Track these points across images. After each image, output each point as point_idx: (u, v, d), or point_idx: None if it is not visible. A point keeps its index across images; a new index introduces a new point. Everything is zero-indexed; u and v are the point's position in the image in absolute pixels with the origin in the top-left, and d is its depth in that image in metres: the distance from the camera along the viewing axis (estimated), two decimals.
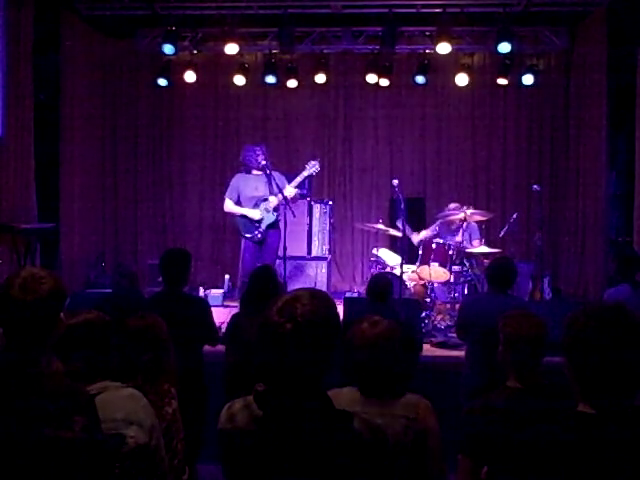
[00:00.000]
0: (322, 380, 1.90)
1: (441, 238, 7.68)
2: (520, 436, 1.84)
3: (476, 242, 7.79)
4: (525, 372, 2.74)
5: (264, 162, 7.18)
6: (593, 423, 1.76)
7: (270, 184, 7.19)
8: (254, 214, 7.18)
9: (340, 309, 6.53)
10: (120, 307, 4.52)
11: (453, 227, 7.78)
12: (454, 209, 7.58)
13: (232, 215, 7.48)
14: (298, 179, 7.28)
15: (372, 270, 7.96)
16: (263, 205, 7.20)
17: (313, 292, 1.93)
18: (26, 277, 2.17)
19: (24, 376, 2.10)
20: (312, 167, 7.38)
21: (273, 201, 7.17)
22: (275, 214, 7.23)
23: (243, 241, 7.37)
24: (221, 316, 7.14)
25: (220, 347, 4.58)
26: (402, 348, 2.99)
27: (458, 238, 7.41)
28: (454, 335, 5.58)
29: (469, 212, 7.37)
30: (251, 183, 7.28)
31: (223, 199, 7.42)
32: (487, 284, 4.90)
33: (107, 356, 2.54)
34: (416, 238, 7.90)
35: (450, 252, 7.26)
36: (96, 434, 1.77)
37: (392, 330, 2.71)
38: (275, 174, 7.20)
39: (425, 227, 8.19)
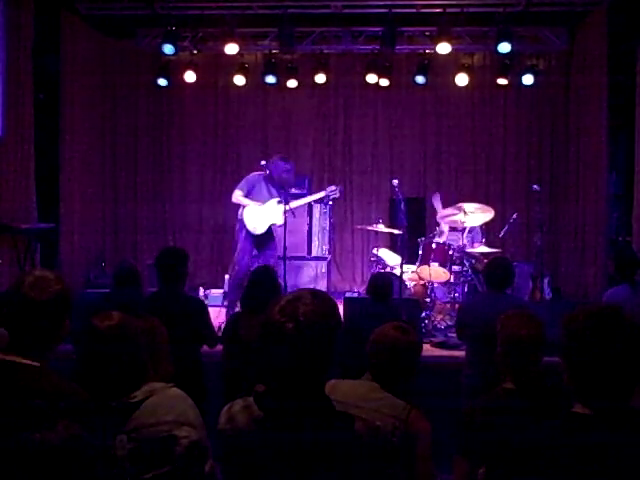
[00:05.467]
0: (323, 380, 1.90)
1: (441, 238, 7.69)
2: (516, 437, 1.84)
3: (476, 244, 7.79)
4: (522, 373, 2.73)
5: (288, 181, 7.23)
6: (589, 424, 1.76)
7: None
8: (270, 204, 7.11)
9: (340, 309, 6.54)
10: (121, 306, 4.50)
11: (457, 227, 7.79)
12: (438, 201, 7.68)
13: (238, 205, 7.27)
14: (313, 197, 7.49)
15: (372, 270, 7.97)
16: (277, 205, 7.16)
17: (315, 292, 1.94)
18: (37, 276, 2.20)
19: (21, 376, 2.10)
20: (331, 192, 7.42)
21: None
22: (282, 218, 7.10)
23: (241, 243, 7.26)
24: (221, 316, 7.16)
25: (219, 347, 4.57)
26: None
27: (460, 241, 7.42)
28: (454, 335, 5.58)
29: (474, 207, 7.38)
30: (264, 190, 7.22)
31: (223, 198, 7.46)
32: (485, 284, 4.90)
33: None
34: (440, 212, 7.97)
35: (450, 252, 7.26)
36: (80, 435, 1.76)
37: (417, 337, 2.94)
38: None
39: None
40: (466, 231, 7.61)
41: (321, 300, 1.90)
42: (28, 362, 2.17)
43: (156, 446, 2.29)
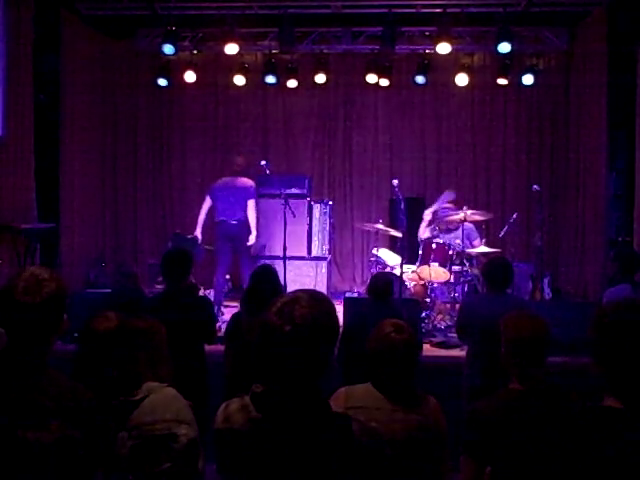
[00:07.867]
0: (320, 382, 1.90)
1: (440, 238, 7.67)
2: (523, 437, 1.84)
3: (476, 242, 7.77)
4: (528, 374, 2.72)
5: None
6: (621, 418, 1.75)
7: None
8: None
9: (340, 309, 6.55)
10: (123, 307, 4.53)
11: (451, 227, 7.76)
12: (448, 197, 7.61)
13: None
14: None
15: (372, 270, 7.96)
16: None
17: (312, 294, 1.93)
18: (29, 279, 2.17)
19: (23, 377, 2.10)
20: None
21: None
22: None
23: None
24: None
25: (221, 347, 4.59)
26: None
27: (457, 240, 7.40)
28: (454, 335, 5.59)
29: (469, 212, 7.37)
30: None
31: None
32: (485, 285, 4.89)
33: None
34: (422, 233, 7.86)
35: (450, 252, 7.25)
36: (73, 435, 1.76)
37: (413, 336, 2.89)
38: None
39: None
40: (460, 230, 7.57)
41: (318, 302, 1.89)
42: (27, 361, 2.16)
43: (156, 444, 2.34)
